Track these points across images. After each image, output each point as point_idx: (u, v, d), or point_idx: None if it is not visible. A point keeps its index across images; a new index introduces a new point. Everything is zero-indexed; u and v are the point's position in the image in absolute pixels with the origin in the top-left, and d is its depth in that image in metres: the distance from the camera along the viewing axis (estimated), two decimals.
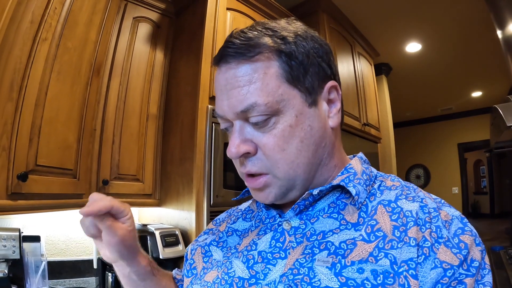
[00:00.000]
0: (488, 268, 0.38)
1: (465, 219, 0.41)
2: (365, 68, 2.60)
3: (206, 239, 0.58)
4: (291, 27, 0.46)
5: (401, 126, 5.30)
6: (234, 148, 0.43)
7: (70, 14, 1.07)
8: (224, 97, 0.44)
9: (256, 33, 0.44)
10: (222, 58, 0.44)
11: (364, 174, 0.48)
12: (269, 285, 0.42)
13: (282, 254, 0.44)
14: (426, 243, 0.38)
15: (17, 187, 0.94)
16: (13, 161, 0.93)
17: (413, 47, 2.91)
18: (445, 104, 4.64)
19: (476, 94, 4.19)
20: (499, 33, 1.81)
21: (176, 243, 1.24)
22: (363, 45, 2.67)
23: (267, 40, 0.43)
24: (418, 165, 5.43)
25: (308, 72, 0.44)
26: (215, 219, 0.64)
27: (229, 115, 0.44)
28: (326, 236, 0.43)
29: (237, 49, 0.42)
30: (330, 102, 0.47)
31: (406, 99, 4.30)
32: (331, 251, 0.41)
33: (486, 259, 0.39)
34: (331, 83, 0.47)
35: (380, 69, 3.16)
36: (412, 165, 5.47)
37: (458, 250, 0.37)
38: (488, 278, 0.38)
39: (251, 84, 0.42)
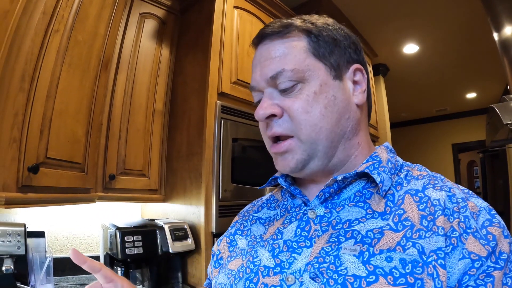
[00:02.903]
0: None
1: (493, 210, 0.41)
2: None
3: (232, 230, 0.59)
4: (321, 19, 0.51)
5: (396, 126, 5.36)
6: (262, 110, 0.47)
7: (81, 7, 1.06)
8: (257, 69, 0.49)
9: (290, 20, 0.50)
10: (259, 37, 0.50)
11: (389, 163, 0.48)
12: (294, 274, 0.41)
13: (308, 243, 0.44)
14: (454, 233, 0.38)
15: (28, 180, 0.93)
16: (24, 153, 0.92)
17: (410, 48, 2.96)
18: (440, 105, 4.71)
19: (471, 95, 4.26)
20: (495, 35, 1.86)
21: (185, 237, 1.23)
22: (362, 45, 2.70)
23: (299, 22, 0.49)
24: None
25: (334, 52, 0.48)
26: (240, 211, 0.64)
27: (261, 83, 0.48)
28: (352, 224, 0.43)
29: (273, 29, 0.49)
30: (355, 83, 0.50)
31: (402, 100, 4.36)
32: (358, 240, 0.40)
33: None
34: (356, 65, 0.49)
35: (378, 70, 3.20)
36: None
37: (486, 242, 0.37)
38: None
39: (282, 56, 0.47)
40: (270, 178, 0.55)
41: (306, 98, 0.45)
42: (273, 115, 0.47)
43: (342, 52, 0.48)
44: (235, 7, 1.56)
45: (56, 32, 0.98)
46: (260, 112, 0.47)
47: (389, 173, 0.46)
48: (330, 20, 0.51)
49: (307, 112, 0.45)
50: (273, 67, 0.47)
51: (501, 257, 0.36)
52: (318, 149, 0.46)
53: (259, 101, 0.50)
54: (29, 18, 0.91)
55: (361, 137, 0.50)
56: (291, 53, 0.47)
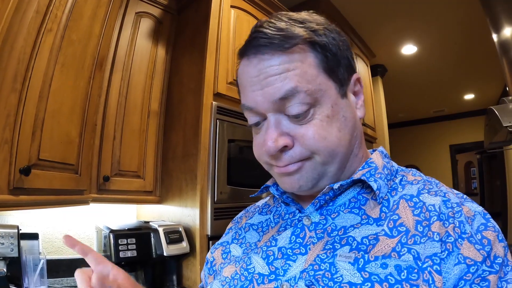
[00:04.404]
0: (511, 264, 0.37)
1: (488, 214, 0.41)
2: (361, 69, 2.63)
3: (227, 239, 0.58)
4: (312, 19, 0.44)
5: (394, 127, 5.37)
6: (272, 142, 0.40)
7: (75, 6, 1.05)
8: (257, 87, 0.41)
9: (284, 23, 0.42)
10: (253, 49, 0.42)
11: (385, 169, 0.47)
12: (289, 281, 0.41)
13: (303, 250, 0.43)
14: (450, 238, 0.37)
15: (19, 182, 0.91)
16: (16, 155, 0.91)
17: (408, 49, 2.96)
18: (438, 106, 4.73)
19: (469, 96, 4.28)
20: (494, 36, 1.85)
21: (179, 240, 1.22)
22: (360, 46, 2.70)
23: (301, 31, 0.41)
24: (410, 166, 5.48)
25: (340, 64, 0.44)
26: (234, 218, 0.63)
27: (264, 105, 0.41)
28: (348, 231, 0.42)
29: (271, 40, 0.40)
30: (355, 94, 0.47)
31: (400, 101, 4.37)
32: (353, 247, 0.40)
33: (509, 256, 0.38)
34: (356, 75, 0.47)
35: (376, 70, 3.20)
36: (404, 166, 5.51)
37: (481, 247, 0.37)
38: (511, 275, 0.37)
39: (289, 71, 0.40)
40: (262, 187, 0.54)
41: (320, 124, 0.41)
42: (284, 147, 0.41)
43: (346, 61, 0.44)
44: (232, 6, 1.54)
45: (49, 31, 0.97)
46: (271, 145, 0.40)
47: (385, 180, 0.45)
48: (323, 20, 0.45)
49: (325, 138, 0.41)
50: (281, 86, 0.39)
51: (496, 261, 0.36)
52: (329, 170, 0.44)
53: (255, 124, 0.44)
54: (22, 17, 0.89)
55: (363, 149, 0.49)
56: (301, 68, 0.40)
